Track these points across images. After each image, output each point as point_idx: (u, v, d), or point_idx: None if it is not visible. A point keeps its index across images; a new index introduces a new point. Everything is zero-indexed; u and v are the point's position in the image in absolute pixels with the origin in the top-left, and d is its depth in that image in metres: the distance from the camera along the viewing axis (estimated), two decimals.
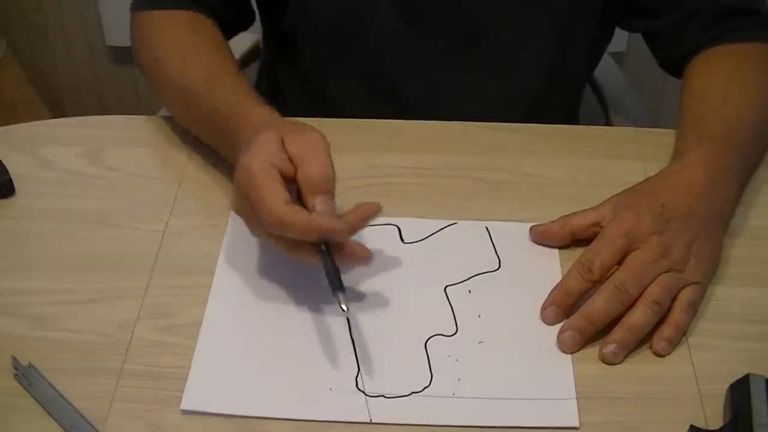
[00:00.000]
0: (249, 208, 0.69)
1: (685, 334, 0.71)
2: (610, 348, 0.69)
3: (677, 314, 0.70)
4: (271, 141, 0.70)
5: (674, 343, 0.70)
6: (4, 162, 0.84)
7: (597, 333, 0.71)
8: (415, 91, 0.97)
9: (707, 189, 0.76)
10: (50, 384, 0.67)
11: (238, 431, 0.65)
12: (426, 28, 0.93)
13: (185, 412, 0.66)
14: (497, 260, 0.77)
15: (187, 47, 0.88)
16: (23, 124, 0.92)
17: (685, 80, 0.91)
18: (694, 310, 0.72)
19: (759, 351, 0.70)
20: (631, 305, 0.70)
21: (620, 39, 1.66)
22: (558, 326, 0.71)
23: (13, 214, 0.82)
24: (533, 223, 0.79)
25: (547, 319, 0.72)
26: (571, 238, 0.77)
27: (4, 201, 0.83)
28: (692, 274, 0.72)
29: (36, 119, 0.94)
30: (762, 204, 0.84)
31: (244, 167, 0.69)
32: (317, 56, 0.99)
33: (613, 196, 0.78)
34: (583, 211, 0.78)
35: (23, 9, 1.84)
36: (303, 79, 1.02)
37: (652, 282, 0.71)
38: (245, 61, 1.23)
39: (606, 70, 1.18)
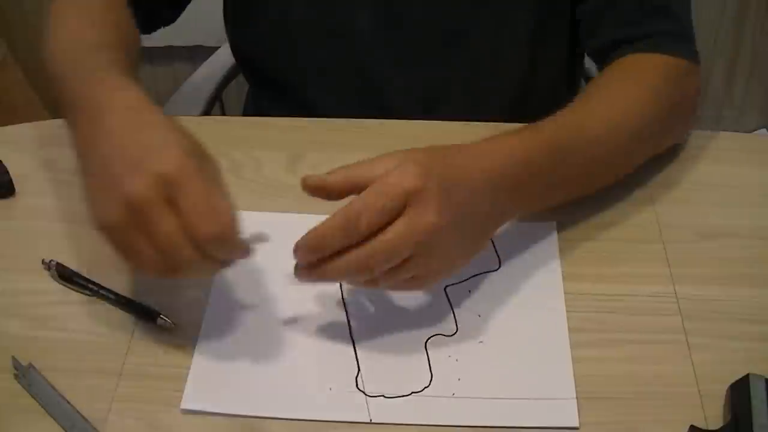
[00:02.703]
0: (156, 199, 0.60)
1: None
2: None
3: None
4: (191, 142, 0.64)
5: None
6: (4, 162, 0.84)
7: (599, 334, 0.71)
8: (398, 93, 0.97)
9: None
10: (50, 384, 0.67)
11: (238, 431, 0.65)
12: (404, 30, 0.93)
13: (185, 412, 0.66)
14: (497, 260, 0.77)
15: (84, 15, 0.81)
16: (23, 125, 0.92)
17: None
18: None
19: (759, 351, 0.70)
20: None
21: None
22: (560, 326, 0.72)
23: (13, 214, 0.82)
24: (532, 223, 0.79)
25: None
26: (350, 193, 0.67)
27: (4, 201, 0.83)
28: None
29: (36, 120, 0.94)
30: (762, 204, 0.84)
31: (178, 153, 0.61)
32: (296, 70, 0.99)
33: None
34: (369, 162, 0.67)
35: (23, 10, 1.84)
36: (284, 96, 1.02)
37: None
38: (235, 72, 1.22)
39: None
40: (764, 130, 2.03)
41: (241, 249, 0.64)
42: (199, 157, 0.63)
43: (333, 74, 0.98)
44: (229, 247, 0.62)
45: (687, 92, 0.85)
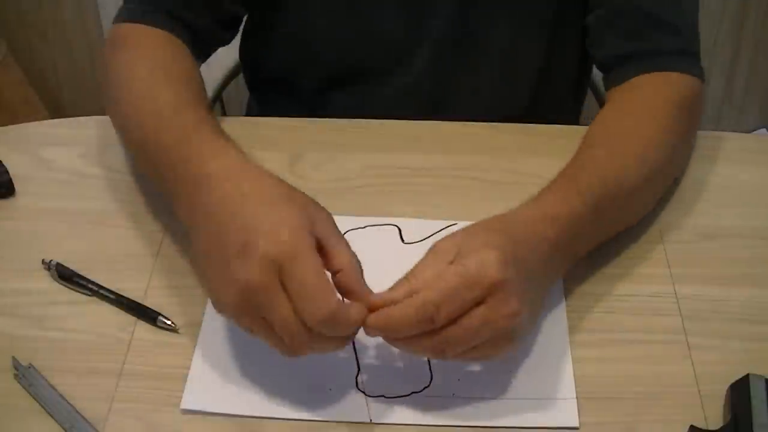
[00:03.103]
0: (269, 285, 0.59)
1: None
2: None
3: None
4: (299, 210, 0.62)
5: None
6: (4, 162, 0.84)
7: (599, 334, 0.71)
8: (408, 93, 0.97)
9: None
10: (50, 384, 0.67)
11: (238, 431, 0.65)
12: (426, 29, 0.93)
13: (185, 412, 0.66)
14: None
15: (157, 81, 0.79)
16: (23, 124, 0.93)
17: (598, 115, 0.85)
18: None
19: (759, 351, 0.71)
20: None
21: None
22: (560, 326, 0.72)
23: (13, 214, 0.82)
24: None
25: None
26: None
27: (4, 201, 0.83)
28: None
29: (36, 120, 0.94)
30: (762, 204, 0.84)
31: (283, 233, 0.59)
32: (311, 73, 0.99)
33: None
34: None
35: (23, 9, 1.84)
36: (288, 97, 1.02)
37: None
38: (235, 72, 1.23)
39: None
40: (764, 130, 2.03)
41: (355, 326, 0.61)
42: (310, 210, 0.62)
43: (347, 76, 0.98)
44: (341, 326, 0.60)
45: (699, 113, 0.87)
